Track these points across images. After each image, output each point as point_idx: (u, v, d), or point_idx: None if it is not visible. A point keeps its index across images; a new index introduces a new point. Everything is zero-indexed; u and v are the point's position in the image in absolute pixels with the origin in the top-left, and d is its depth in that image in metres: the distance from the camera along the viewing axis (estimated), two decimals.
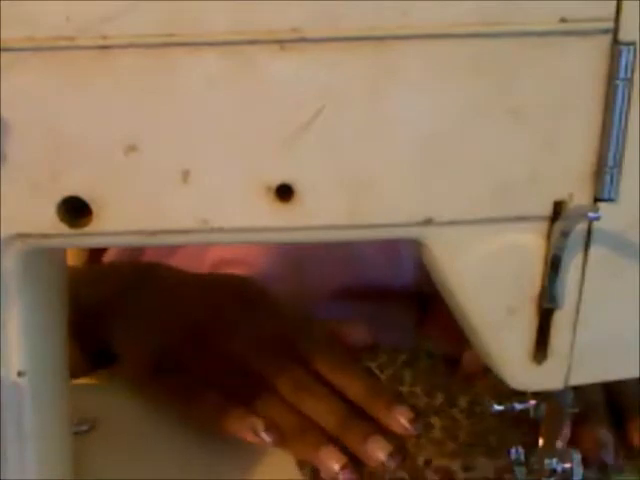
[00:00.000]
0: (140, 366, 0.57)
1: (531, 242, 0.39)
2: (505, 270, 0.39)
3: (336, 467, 0.50)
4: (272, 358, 0.55)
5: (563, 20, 0.35)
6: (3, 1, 0.34)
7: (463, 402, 0.56)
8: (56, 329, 0.44)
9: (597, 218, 0.36)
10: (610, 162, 0.37)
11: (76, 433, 0.52)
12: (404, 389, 0.57)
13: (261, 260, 0.65)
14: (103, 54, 0.35)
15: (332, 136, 0.36)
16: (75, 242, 0.39)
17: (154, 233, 0.38)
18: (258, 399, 0.53)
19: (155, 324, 0.58)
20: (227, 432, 0.52)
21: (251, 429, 0.52)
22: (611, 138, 0.37)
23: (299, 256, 0.67)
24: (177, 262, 0.66)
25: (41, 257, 0.41)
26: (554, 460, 0.48)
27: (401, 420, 0.52)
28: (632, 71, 0.36)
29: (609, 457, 0.51)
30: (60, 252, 0.45)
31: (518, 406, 0.48)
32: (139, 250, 0.73)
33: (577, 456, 0.47)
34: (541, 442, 0.48)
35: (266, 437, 0.51)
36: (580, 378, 0.42)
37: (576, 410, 0.48)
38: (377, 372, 0.58)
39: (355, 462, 0.51)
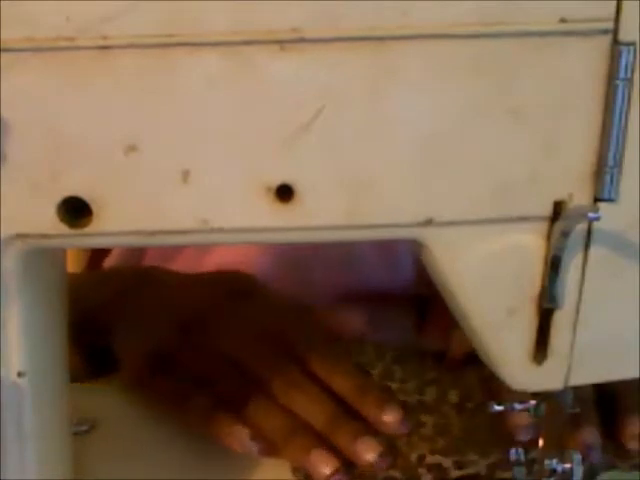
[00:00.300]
0: (136, 369, 0.57)
1: (531, 242, 0.39)
2: (505, 270, 0.39)
3: (327, 471, 0.50)
4: (262, 354, 0.54)
5: (563, 20, 0.35)
6: (3, 1, 0.34)
7: (454, 397, 0.56)
8: (56, 329, 0.44)
9: (597, 218, 0.36)
10: (610, 162, 0.37)
11: (76, 433, 0.52)
12: (394, 385, 0.57)
13: (261, 264, 0.65)
14: (103, 54, 0.35)
15: (332, 136, 0.36)
16: (75, 242, 0.39)
17: (154, 233, 0.38)
18: (249, 400, 0.53)
19: (151, 326, 0.58)
20: (216, 440, 0.52)
21: (238, 439, 0.51)
22: (611, 138, 0.37)
23: (299, 260, 0.67)
24: (178, 267, 0.66)
25: (41, 257, 0.41)
26: (554, 460, 0.48)
27: (391, 420, 0.52)
28: (632, 71, 0.36)
29: (596, 457, 0.51)
30: (60, 252, 0.45)
31: (518, 406, 0.48)
32: (139, 255, 0.73)
33: (577, 456, 0.47)
34: (541, 442, 0.48)
35: (253, 446, 0.51)
36: (580, 378, 0.42)
37: (577, 410, 0.48)
38: (368, 368, 0.58)
39: (346, 462, 0.51)
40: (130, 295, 0.61)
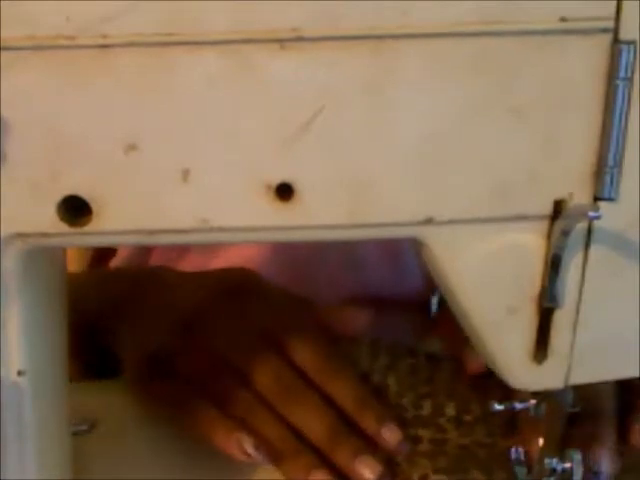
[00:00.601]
0: (137, 371, 0.57)
1: (531, 242, 0.39)
2: (505, 269, 0.39)
3: None
4: (258, 358, 0.53)
5: (563, 19, 0.35)
6: (3, 1, 0.34)
7: (450, 410, 0.56)
8: (56, 329, 0.44)
9: (597, 217, 0.36)
10: (610, 162, 0.37)
11: (76, 433, 0.52)
12: (390, 400, 0.56)
13: (267, 269, 0.64)
14: (103, 54, 0.35)
15: (332, 136, 0.36)
16: (75, 241, 0.39)
17: (154, 232, 0.38)
18: (246, 407, 0.52)
19: (151, 328, 0.57)
20: (215, 446, 0.51)
21: (238, 447, 0.50)
22: (611, 138, 0.37)
23: (304, 265, 0.67)
24: (183, 270, 0.65)
25: (41, 257, 0.41)
26: (554, 460, 0.48)
27: (390, 441, 0.52)
28: (632, 71, 0.36)
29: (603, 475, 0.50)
30: (60, 252, 0.45)
31: (518, 406, 0.48)
32: (145, 257, 0.73)
33: (577, 456, 0.47)
34: (541, 442, 0.48)
35: (255, 455, 0.50)
36: (580, 378, 0.42)
37: (576, 410, 0.48)
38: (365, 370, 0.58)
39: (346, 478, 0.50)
40: (132, 296, 0.61)
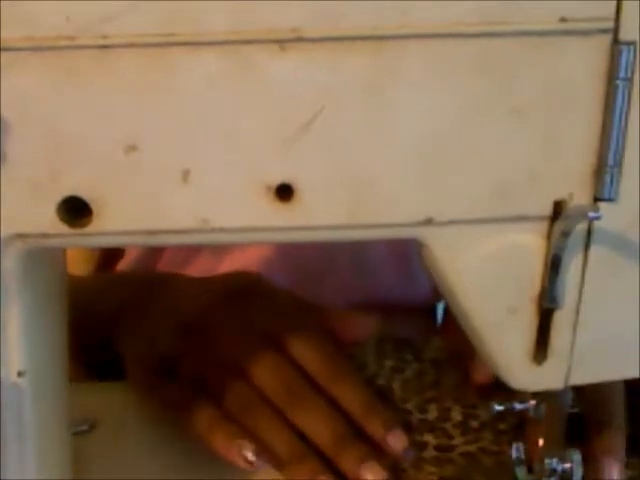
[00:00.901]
0: (141, 373, 0.57)
1: (531, 242, 0.39)
2: (505, 270, 0.39)
3: None
4: (262, 360, 0.53)
5: (563, 20, 0.35)
6: (3, 1, 0.34)
7: (457, 414, 0.56)
8: (56, 329, 0.44)
9: (597, 218, 0.36)
10: (610, 162, 0.37)
11: (76, 433, 0.52)
12: (395, 403, 0.56)
13: (275, 274, 0.64)
14: (103, 54, 0.35)
15: (332, 136, 0.36)
16: (75, 242, 0.39)
17: (154, 233, 0.38)
18: (250, 412, 0.52)
19: (155, 332, 0.57)
20: (218, 453, 0.51)
21: (239, 454, 0.50)
22: (611, 138, 0.37)
23: (313, 270, 0.67)
24: (191, 274, 0.65)
25: (41, 257, 0.41)
26: (554, 460, 0.48)
27: (396, 447, 0.51)
28: (632, 71, 0.36)
29: None
30: (60, 252, 0.45)
31: (518, 406, 0.48)
32: (154, 261, 0.72)
33: (577, 456, 0.47)
34: (541, 442, 0.48)
35: (256, 462, 0.50)
36: (580, 378, 0.42)
37: (576, 410, 0.48)
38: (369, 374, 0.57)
39: None
40: (138, 300, 0.60)
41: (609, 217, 0.38)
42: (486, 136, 0.37)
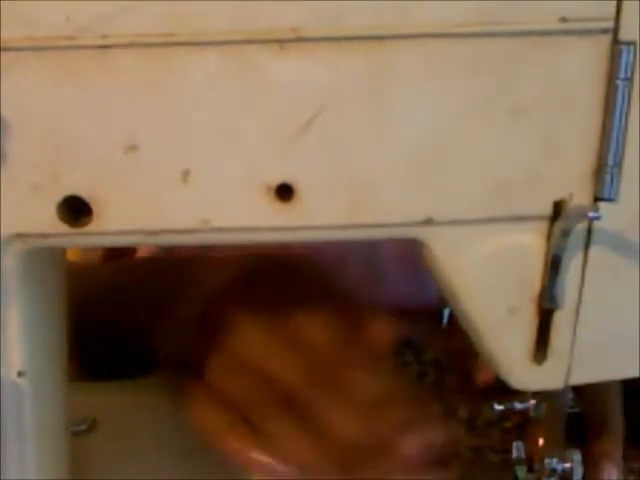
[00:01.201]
0: (169, 368, 0.56)
1: (531, 242, 0.39)
2: (505, 270, 0.39)
3: None
4: (276, 349, 0.51)
5: (563, 19, 0.35)
6: (3, 1, 0.34)
7: (463, 411, 0.56)
8: (56, 329, 0.44)
9: (597, 218, 0.36)
10: (610, 162, 0.37)
11: (75, 433, 0.52)
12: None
13: None
14: (103, 54, 0.35)
15: (332, 136, 0.36)
16: (75, 241, 0.39)
17: (154, 233, 0.38)
18: (265, 413, 0.50)
19: (178, 323, 0.56)
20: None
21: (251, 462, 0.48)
22: (611, 138, 0.37)
23: None
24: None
25: (41, 257, 0.41)
26: (554, 460, 0.48)
27: (410, 450, 0.49)
28: (632, 71, 0.36)
29: None
30: (60, 252, 0.45)
31: (518, 406, 0.48)
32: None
33: (577, 456, 0.47)
34: (541, 442, 0.48)
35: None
36: (580, 378, 0.42)
37: (576, 410, 0.48)
38: None
39: None
40: (167, 292, 0.59)
41: (609, 217, 0.38)
42: (486, 136, 0.37)
